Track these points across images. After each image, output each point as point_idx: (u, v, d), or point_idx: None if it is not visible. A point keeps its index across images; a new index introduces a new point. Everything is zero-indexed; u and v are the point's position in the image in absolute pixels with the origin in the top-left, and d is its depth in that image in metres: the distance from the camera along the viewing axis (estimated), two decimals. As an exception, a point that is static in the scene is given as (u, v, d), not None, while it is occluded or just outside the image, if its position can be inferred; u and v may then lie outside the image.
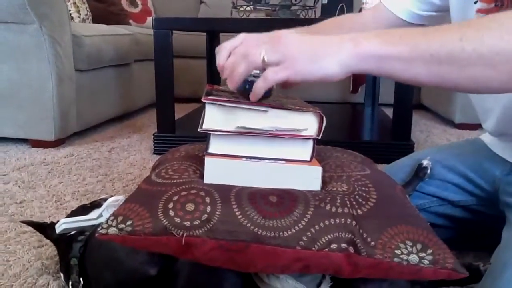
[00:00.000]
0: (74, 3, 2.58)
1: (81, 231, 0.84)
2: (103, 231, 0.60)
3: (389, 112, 2.08)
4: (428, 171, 0.97)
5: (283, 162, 0.66)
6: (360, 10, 1.94)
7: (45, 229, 0.90)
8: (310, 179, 0.66)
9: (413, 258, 0.57)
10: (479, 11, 0.81)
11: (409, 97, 1.72)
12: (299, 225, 0.59)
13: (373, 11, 1.00)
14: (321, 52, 0.59)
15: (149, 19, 3.38)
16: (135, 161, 1.75)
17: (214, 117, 0.65)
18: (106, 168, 1.65)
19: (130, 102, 2.62)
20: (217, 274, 0.67)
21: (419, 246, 0.58)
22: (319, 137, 0.66)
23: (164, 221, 0.59)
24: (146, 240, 0.59)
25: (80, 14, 2.61)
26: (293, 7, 2.02)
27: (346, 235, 0.59)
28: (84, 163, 1.71)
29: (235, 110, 0.65)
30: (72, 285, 0.80)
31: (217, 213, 0.60)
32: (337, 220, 0.60)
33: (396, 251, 0.58)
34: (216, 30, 2.44)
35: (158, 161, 0.84)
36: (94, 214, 0.87)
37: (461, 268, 0.58)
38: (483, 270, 0.76)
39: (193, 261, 0.61)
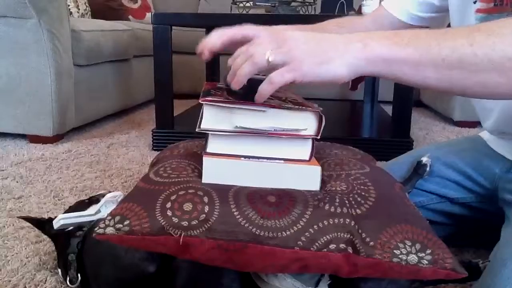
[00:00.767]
0: (73, -3, 2.57)
1: (79, 226, 0.84)
2: (101, 230, 0.60)
3: (388, 109, 2.08)
4: (428, 168, 0.97)
5: (282, 161, 0.66)
6: (360, 7, 1.94)
7: (43, 224, 0.90)
8: (309, 178, 0.66)
9: (412, 258, 0.57)
10: (478, 11, 0.81)
11: (409, 95, 1.72)
12: (298, 225, 0.59)
13: (373, 14, 1.00)
14: (328, 53, 0.57)
15: (148, 15, 3.37)
16: (134, 157, 1.74)
17: (212, 117, 0.65)
18: (104, 164, 1.65)
19: (129, 97, 2.61)
20: (215, 271, 0.66)
21: (418, 246, 0.58)
22: (318, 137, 0.66)
23: (162, 221, 0.59)
24: (143, 240, 0.59)
25: (79, 9, 2.60)
26: (293, 3, 2.02)
27: (345, 235, 0.59)
28: (82, 159, 1.70)
29: (234, 110, 0.64)
30: (69, 281, 0.80)
31: (215, 213, 0.59)
32: (336, 220, 0.60)
33: (395, 251, 0.58)
34: (215, 26, 2.42)
35: (157, 158, 0.84)
36: (92, 209, 0.87)
37: (460, 268, 0.58)
38: (482, 267, 0.76)
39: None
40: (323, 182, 0.69)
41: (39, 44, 1.82)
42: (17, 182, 1.43)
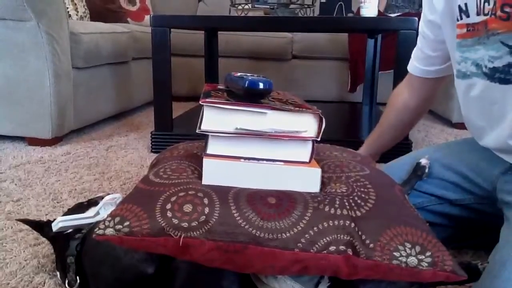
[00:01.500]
0: (72, 0, 2.57)
1: (78, 229, 0.84)
2: (100, 231, 0.60)
3: (387, 111, 2.08)
4: (427, 170, 0.97)
5: (282, 163, 0.66)
6: (358, 9, 1.94)
7: (41, 227, 0.90)
8: (309, 180, 0.66)
9: (412, 260, 0.57)
10: (457, 36, 0.88)
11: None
12: (298, 227, 0.59)
13: (405, 81, 1.17)
14: None
15: (147, 17, 3.37)
16: (133, 159, 1.74)
17: (212, 119, 0.65)
18: (103, 166, 1.64)
19: (128, 100, 2.61)
20: (215, 273, 0.66)
21: (417, 248, 0.58)
22: (318, 139, 0.66)
23: (162, 222, 0.59)
24: (143, 241, 0.59)
25: (78, 12, 2.60)
26: (292, 6, 2.02)
27: (345, 237, 0.59)
28: (81, 161, 1.70)
29: (234, 111, 0.64)
30: (68, 283, 0.80)
31: (215, 214, 0.59)
32: (336, 222, 0.60)
33: (394, 253, 0.58)
34: (214, 28, 2.43)
35: (157, 159, 0.84)
36: (91, 212, 0.86)
37: (460, 270, 0.58)
38: (481, 268, 0.76)
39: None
40: (323, 184, 0.69)
41: (38, 46, 1.82)
42: (16, 184, 1.43)
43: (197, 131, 0.65)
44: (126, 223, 0.60)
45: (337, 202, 0.62)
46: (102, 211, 0.86)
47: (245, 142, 0.66)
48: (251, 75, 0.67)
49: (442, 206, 0.99)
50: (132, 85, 2.64)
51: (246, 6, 2.05)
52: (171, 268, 0.69)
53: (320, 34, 3.05)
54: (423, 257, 0.57)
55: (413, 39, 1.66)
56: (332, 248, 0.58)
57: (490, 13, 0.78)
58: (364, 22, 1.78)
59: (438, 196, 0.98)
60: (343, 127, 2.18)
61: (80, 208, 0.90)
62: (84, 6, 2.67)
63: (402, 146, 1.70)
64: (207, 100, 0.64)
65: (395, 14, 2.94)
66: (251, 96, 0.65)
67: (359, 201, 0.63)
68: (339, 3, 3.30)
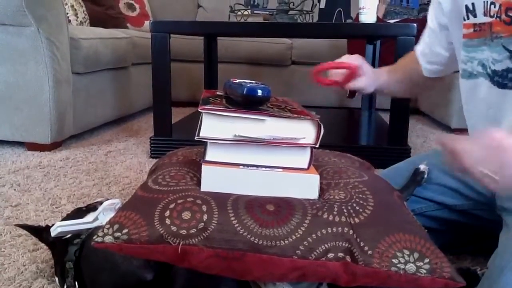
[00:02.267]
0: (72, 6, 2.58)
1: (76, 234, 0.84)
2: (99, 239, 0.60)
3: (386, 117, 2.09)
4: (425, 176, 0.97)
5: (281, 170, 0.66)
6: (357, 15, 1.95)
7: (40, 232, 0.90)
8: (307, 187, 0.66)
9: (410, 267, 0.57)
10: (463, 36, 0.87)
11: (406, 102, 1.72)
12: (296, 234, 0.59)
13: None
14: None
15: (147, 23, 3.38)
16: (132, 164, 1.74)
17: (211, 125, 0.65)
18: (102, 171, 1.64)
19: (127, 105, 2.61)
20: (214, 279, 0.66)
21: (416, 255, 0.58)
22: (317, 146, 0.66)
23: (160, 229, 0.59)
24: (142, 249, 0.59)
25: (77, 17, 2.61)
26: (291, 12, 2.03)
27: (343, 244, 0.59)
28: (80, 167, 1.70)
29: (233, 118, 0.64)
30: (66, 288, 0.80)
31: (213, 221, 0.59)
32: (334, 229, 0.60)
33: (393, 260, 0.58)
34: (213, 33, 2.44)
35: (155, 165, 0.84)
36: (89, 217, 0.86)
37: (458, 277, 0.58)
38: (480, 274, 0.77)
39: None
40: (322, 191, 0.69)
41: (38, 51, 1.82)
42: (15, 189, 1.43)
43: (195, 138, 0.65)
44: (125, 231, 0.60)
45: (336, 209, 0.62)
46: (101, 217, 0.86)
47: (244, 149, 0.66)
48: (249, 82, 0.67)
49: (441, 212, 0.99)
50: (131, 91, 2.65)
51: (246, 12, 2.06)
52: (170, 274, 0.69)
53: (319, 40, 3.06)
54: (422, 264, 0.57)
55: (412, 45, 1.66)
56: (330, 255, 0.58)
57: (495, 15, 0.78)
58: (363, 28, 1.78)
59: (437, 202, 0.98)
60: (342, 133, 2.18)
61: (79, 213, 0.90)
62: (84, 11, 2.68)
63: (400, 152, 1.71)
64: (206, 107, 0.64)
65: (394, 20, 2.95)
66: (249, 103, 0.66)
67: (357, 208, 0.63)
68: (338, 9, 3.32)
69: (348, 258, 0.58)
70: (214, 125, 0.65)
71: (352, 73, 0.99)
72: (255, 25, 1.93)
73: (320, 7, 3.39)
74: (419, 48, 1.07)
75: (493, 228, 0.85)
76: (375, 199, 0.66)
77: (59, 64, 1.88)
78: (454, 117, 2.40)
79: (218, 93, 0.80)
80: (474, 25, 0.84)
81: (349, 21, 3.26)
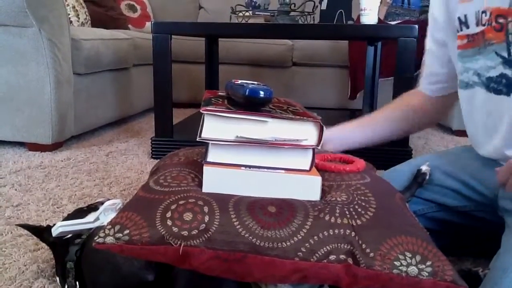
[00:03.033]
0: (73, 7, 2.58)
1: (77, 234, 0.84)
2: (100, 240, 0.60)
3: (387, 118, 2.08)
4: (427, 177, 0.97)
5: (283, 171, 0.66)
6: (358, 17, 1.94)
7: (41, 232, 0.90)
8: (309, 188, 0.66)
9: (412, 269, 0.57)
10: (458, 47, 0.89)
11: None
12: (298, 235, 0.59)
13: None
14: None
15: (148, 24, 3.38)
16: (133, 165, 1.74)
17: (213, 127, 0.65)
18: (103, 172, 1.64)
19: (128, 106, 2.61)
20: (215, 280, 0.66)
21: (418, 257, 0.58)
22: (319, 147, 0.66)
23: (162, 230, 0.59)
24: (143, 250, 0.59)
25: (79, 18, 2.61)
26: (292, 13, 2.03)
27: (345, 246, 0.58)
28: (81, 167, 1.70)
29: (234, 120, 0.64)
30: (67, 288, 0.80)
31: (215, 223, 0.59)
32: (336, 231, 0.60)
33: (395, 263, 0.57)
34: (215, 35, 2.44)
35: (157, 166, 0.84)
36: (91, 217, 0.86)
37: (460, 280, 0.57)
38: (482, 275, 0.76)
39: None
40: (324, 192, 0.69)
41: (39, 52, 1.82)
42: (16, 190, 1.43)
43: (197, 139, 0.65)
44: (126, 232, 0.60)
45: (338, 211, 0.62)
46: (102, 217, 0.86)
47: (246, 150, 0.66)
48: (251, 83, 0.67)
49: (443, 213, 0.99)
50: (132, 92, 2.65)
51: (247, 13, 2.06)
52: (171, 275, 0.69)
53: (320, 41, 3.06)
54: (424, 266, 0.57)
55: (413, 47, 1.67)
56: (332, 257, 0.58)
57: (487, 23, 0.80)
58: (364, 30, 1.78)
59: (439, 203, 0.98)
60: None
61: (80, 213, 0.90)
62: (85, 12, 2.68)
63: (402, 153, 1.70)
64: (207, 108, 0.64)
65: (395, 22, 2.95)
66: (251, 105, 0.65)
67: (359, 210, 0.63)
68: (339, 10, 3.32)
69: (350, 260, 0.58)
70: (216, 126, 0.64)
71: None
72: (256, 26, 1.93)
73: (321, 8, 3.39)
74: (422, 74, 1.09)
75: (495, 229, 0.85)
76: (377, 201, 0.66)
77: (61, 65, 1.88)
78: (455, 119, 2.40)
79: (220, 93, 0.80)
80: (468, 36, 0.86)
81: (350, 22, 3.26)
